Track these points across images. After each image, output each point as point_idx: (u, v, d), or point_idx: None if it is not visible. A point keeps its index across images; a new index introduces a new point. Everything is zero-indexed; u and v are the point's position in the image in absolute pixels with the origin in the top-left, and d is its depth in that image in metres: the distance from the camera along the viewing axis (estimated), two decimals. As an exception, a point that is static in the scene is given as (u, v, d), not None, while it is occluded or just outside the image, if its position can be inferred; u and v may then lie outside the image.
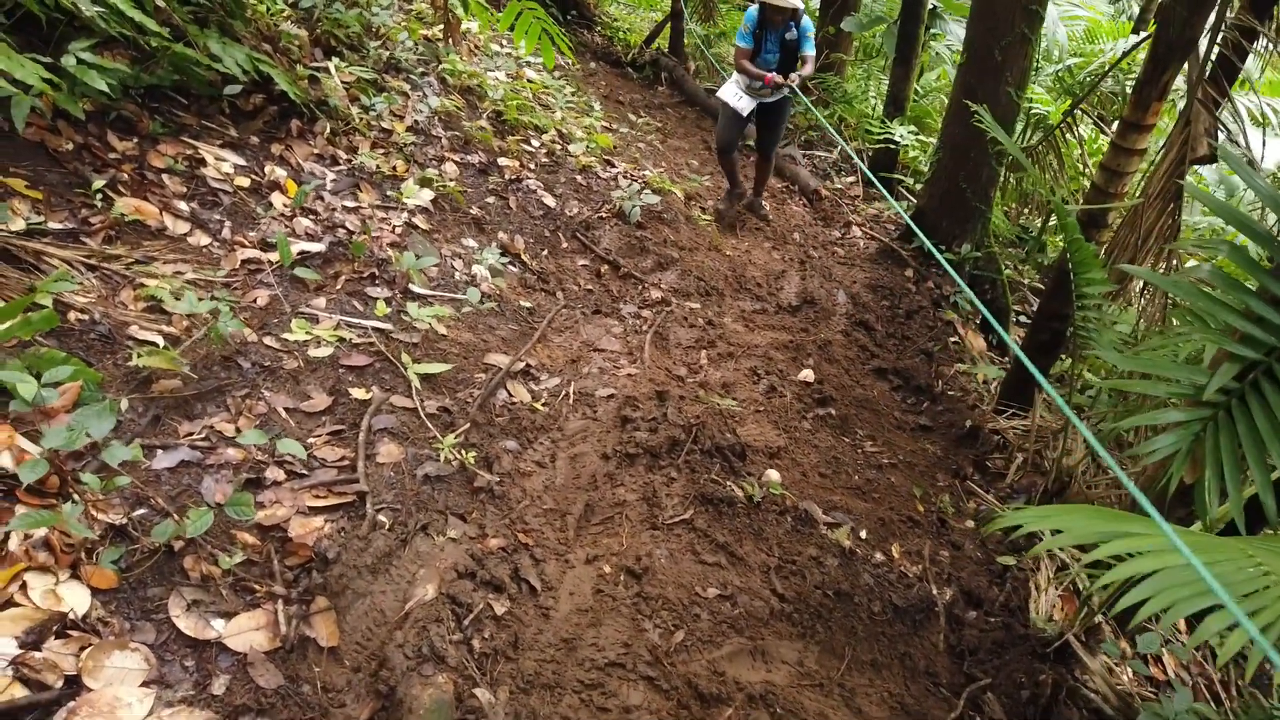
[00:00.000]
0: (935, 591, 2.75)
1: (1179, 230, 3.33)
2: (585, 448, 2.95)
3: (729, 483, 2.88)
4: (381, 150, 3.99)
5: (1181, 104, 3.47)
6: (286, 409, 2.50)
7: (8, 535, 1.75)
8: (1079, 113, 5.06)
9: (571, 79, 7.06)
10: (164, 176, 3.04)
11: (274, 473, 2.27)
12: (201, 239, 2.97)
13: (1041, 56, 6.11)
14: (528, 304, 3.75)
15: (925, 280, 5.22)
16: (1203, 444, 2.10)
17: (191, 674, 1.76)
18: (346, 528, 2.21)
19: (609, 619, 2.27)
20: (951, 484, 3.54)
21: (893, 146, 6.23)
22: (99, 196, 2.76)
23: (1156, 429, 2.60)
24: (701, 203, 5.68)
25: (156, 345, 2.42)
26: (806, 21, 4.77)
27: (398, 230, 3.57)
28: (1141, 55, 5.08)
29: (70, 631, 1.69)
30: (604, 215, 4.73)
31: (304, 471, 2.32)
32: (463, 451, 2.63)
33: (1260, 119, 4.85)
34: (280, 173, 3.42)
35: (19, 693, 1.55)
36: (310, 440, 2.43)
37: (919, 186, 6.38)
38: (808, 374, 3.89)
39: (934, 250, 2.82)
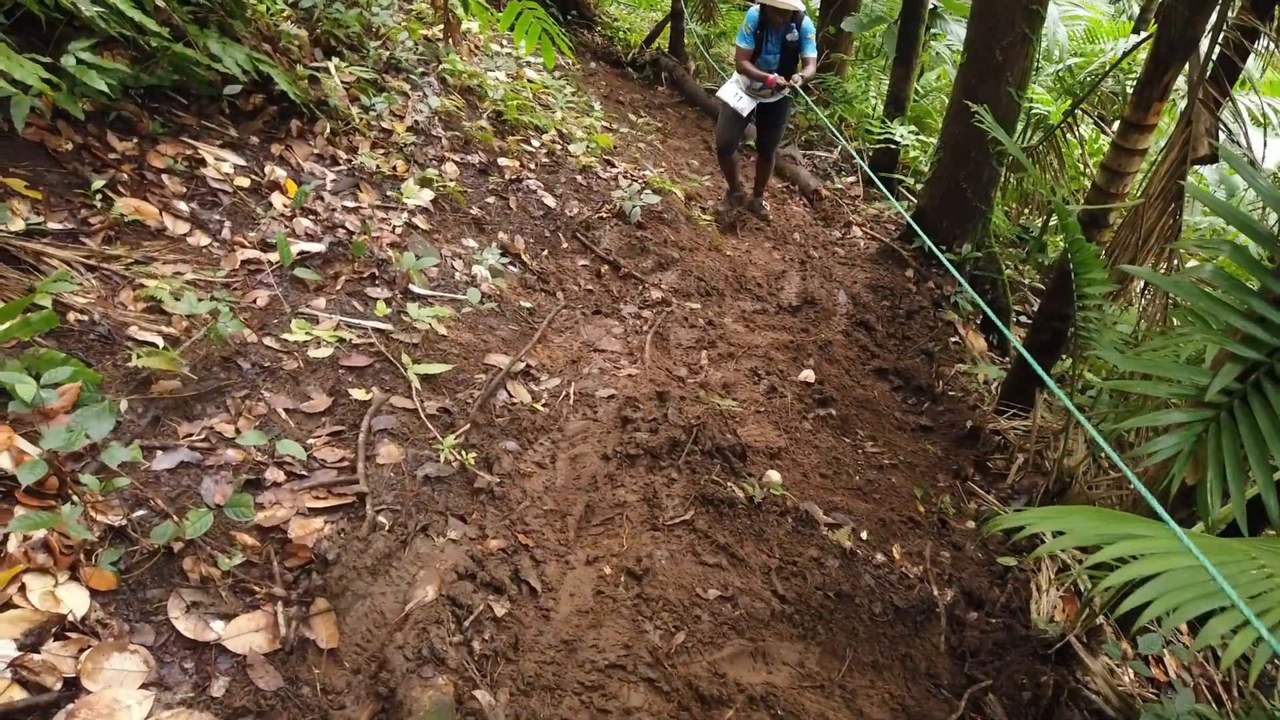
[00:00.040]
0: (936, 592, 2.75)
1: (1180, 230, 3.33)
2: (585, 448, 2.94)
3: (730, 483, 2.87)
4: (381, 150, 3.98)
5: (1182, 104, 3.46)
6: (286, 410, 2.50)
7: (7, 537, 1.74)
8: (1080, 112, 5.06)
9: (571, 79, 7.06)
10: (164, 177, 3.04)
11: (274, 474, 2.26)
12: (201, 239, 2.96)
13: (1042, 56, 6.10)
14: (528, 304, 3.75)
15: (926, 280, 5.21)
16: (1205, 445, 2.10)
17: (191, 676, 1.75)
18: (346, 529, 2.20)
19: (609, 620, 2.26)
20: (952, 484, 3.54)
21: (893, 146, 6.23)
22: (98, 197, 2.75)
23: (1158, 430, 2.60)
24: (702, 203, 5.67)
25: (156, 346, 2.41)
26: (808, 23, 4.76)
27: (398, 230, 3.56)
28: (1142, 55, 5.08)
29: (69, 633, 1.68)
30: (604, 215, 4.73)
31: (304, 472, 2.32)
32: (463, 452, 2.62)
33: (1261, 119, 4.85)
34: (280, 173, 3.42)
35: (18, 695, 1.54)
36: (310, 441, 2.43)
37: (919, 186, 6.38)
38: (808, 374, 3.89)
39: (935, 250, 2.82)
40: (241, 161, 3.35)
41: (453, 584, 2.18)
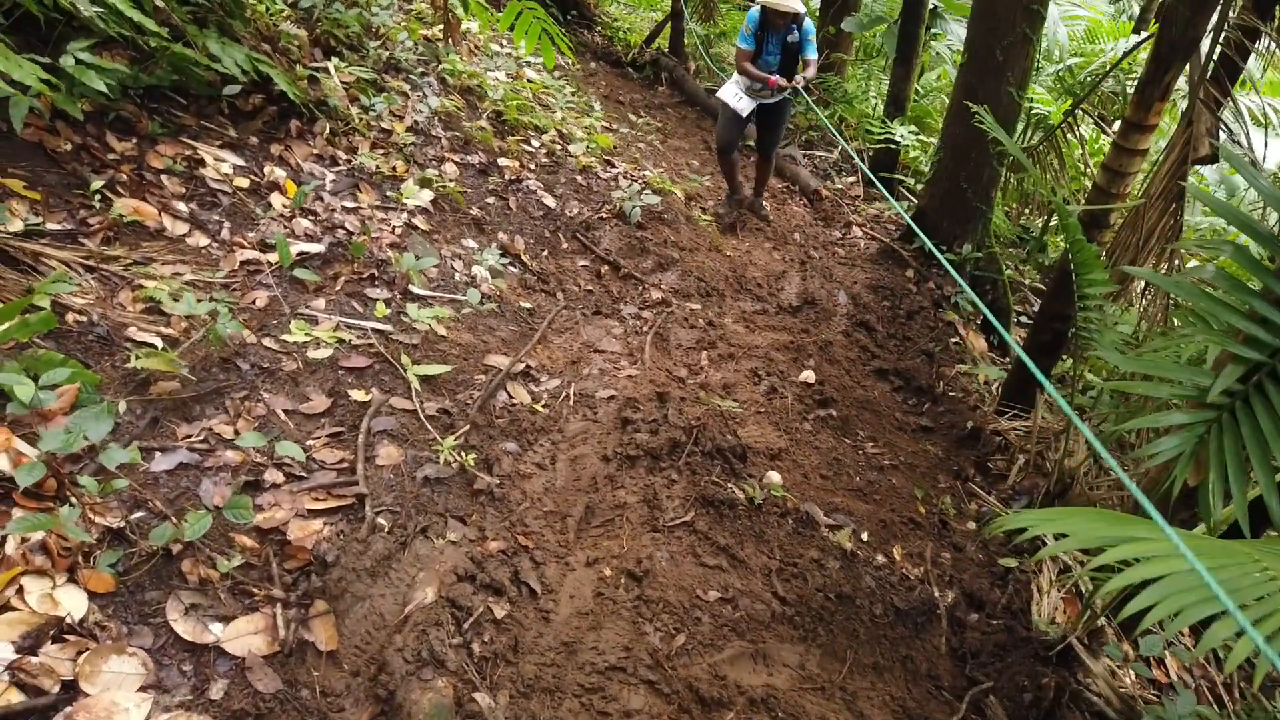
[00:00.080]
0: (937, 594, 2.74)
1: (1181, 231, 3.33)
2: (585, 449, 2.94)
3: (730, 485, 2.87)
4: (381, 150, 3.98)
5: (1183, 104, 3.46)
6: (285, 411, 2.49)
7: (4, 539, 1.74)
8: (1080, 112, 5.05)
9: (571, 79, 7.05)
10: (163, 177, 3.03)
11: (273, 475, 2.26)
12: (200, 240, 2.95)
13: (1042, 56, 6.10)
14: (528, 305, 3.74)
15: (926, 281, 5.21)
16: (1206, 446, 2.09)
17: (189, 678, 1.75)
18: (345, 531, 2.19)
19: (609, 622, 2.26)
20: (953, 485, 3.53)
21: (893, 146, 6.23)
22: (97, 197, 2.75)
23: (1159, 431, 2.59)
24: (702, 203, 5.67)
25: (155, 347, 2.40)
26: (808, 24, 4.75)
27: (397, 231, 3.56)
28: (1142, 55, 5.08)
29: (67, 636, 1.68)
30: (604, 216, 4.72)
31: (303, 474, 2.31)
32: (462, 453, 2.62)
33: (1262, 119, 4.84)
34: (279, 173, 3.41)
35: (15, 698, 1.53)
36: (309, 442, 2.42)
37: (920, 187, 6.37)
38: (809, 375, 3.88)
39: (935, 251, 2.81)
40: (241, 162, 3.34)
41: (452, 586, 2.18)
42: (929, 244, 2.86)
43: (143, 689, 1.67)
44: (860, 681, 2.37)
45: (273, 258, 2.99)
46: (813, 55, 4.79)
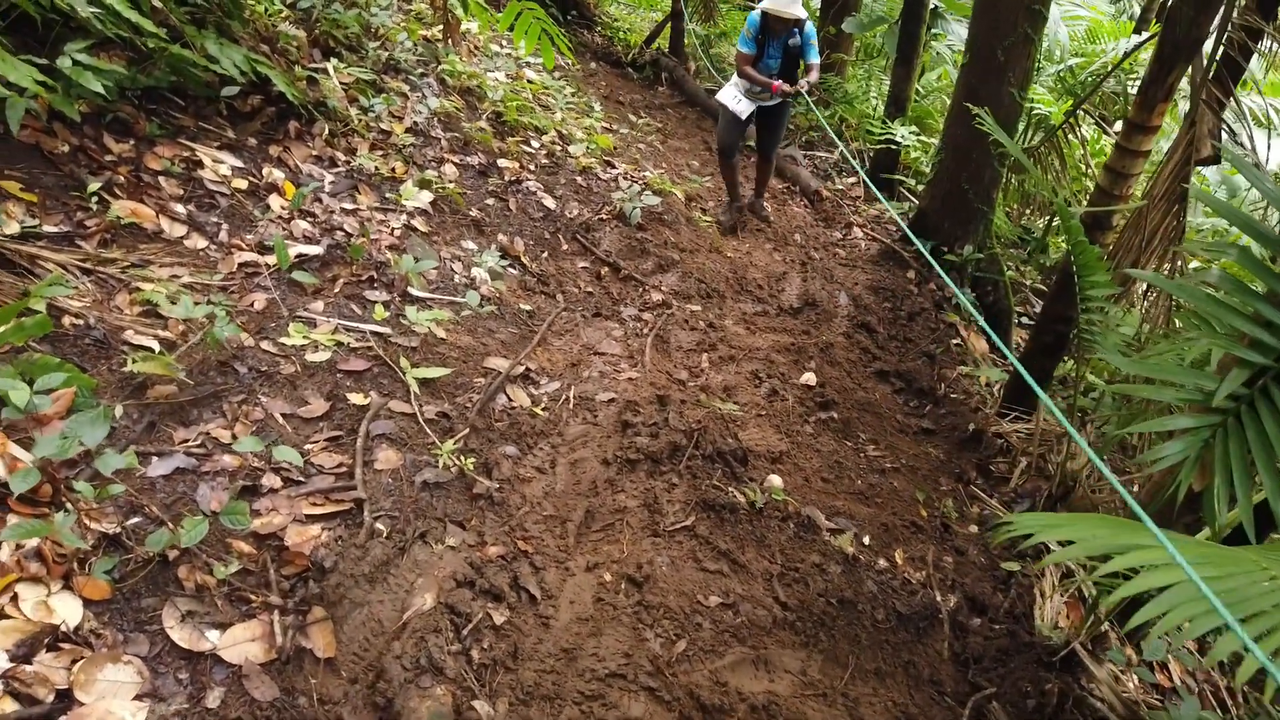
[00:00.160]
0: (939, 598, 2.73)
1: (1184, 232, 3.31)
2: (585, 453, 2.92)
3: (731, 488, 2.85)
4: (380, 152, 3.96)
5: (1185, 105, 3.44)
6: (283, 415, 2.48)
7: (-1, 545, 1.72)
8: (1081, 113, 5.03)
9: (571, 79, 7.03)
10: (160, 179, 3.01)
11: (270, 480, 2.24)
12: (198, 242, 2.94)
13: (1044, 57, 6.08)
14: (527, 307, 3.72)
15: (927, 282, 5.19)
16: (1211, 451, 2.08)
17: (185, 687, 1.73)
18: (344, 536, 2.18)
19: (610, 628, 2.24)
20: (955, 488, 3.51)
21: (894, 147, 6.21)
22: (94, 199, 2.73)
23: (1163, 434, 2.58)
24: (702, 204, 5.65)
25: (152, 350, 2.39)
26: (810, 28, 4.73)
27: (396, 233, 3.54)
28: (1143, 56, 5.07)
29: (62, 644, 1.66)
30: (604, 217, 4.71)
31: (301, 479, 2.29)
32: (462, 457, 2.60)
33: (1264, 120, 4.83)
34: (278, 175, 3.40)
35: (9, 707, 1.52)
36: (307, 447, 2.41)
37: (920, 187, 6.35)
38: (809, 377, 3.86)
39: (932, 260, 2.80)
40: (239, 163, 3.32)
41: (451, 591, 2.16)
42: (926, 253, 2.85)
43: (138, 697, 1.65)
44: (862, 687, 2.35)
45: (271, 260, 2.98)
46: (815, 59, 4.77)
